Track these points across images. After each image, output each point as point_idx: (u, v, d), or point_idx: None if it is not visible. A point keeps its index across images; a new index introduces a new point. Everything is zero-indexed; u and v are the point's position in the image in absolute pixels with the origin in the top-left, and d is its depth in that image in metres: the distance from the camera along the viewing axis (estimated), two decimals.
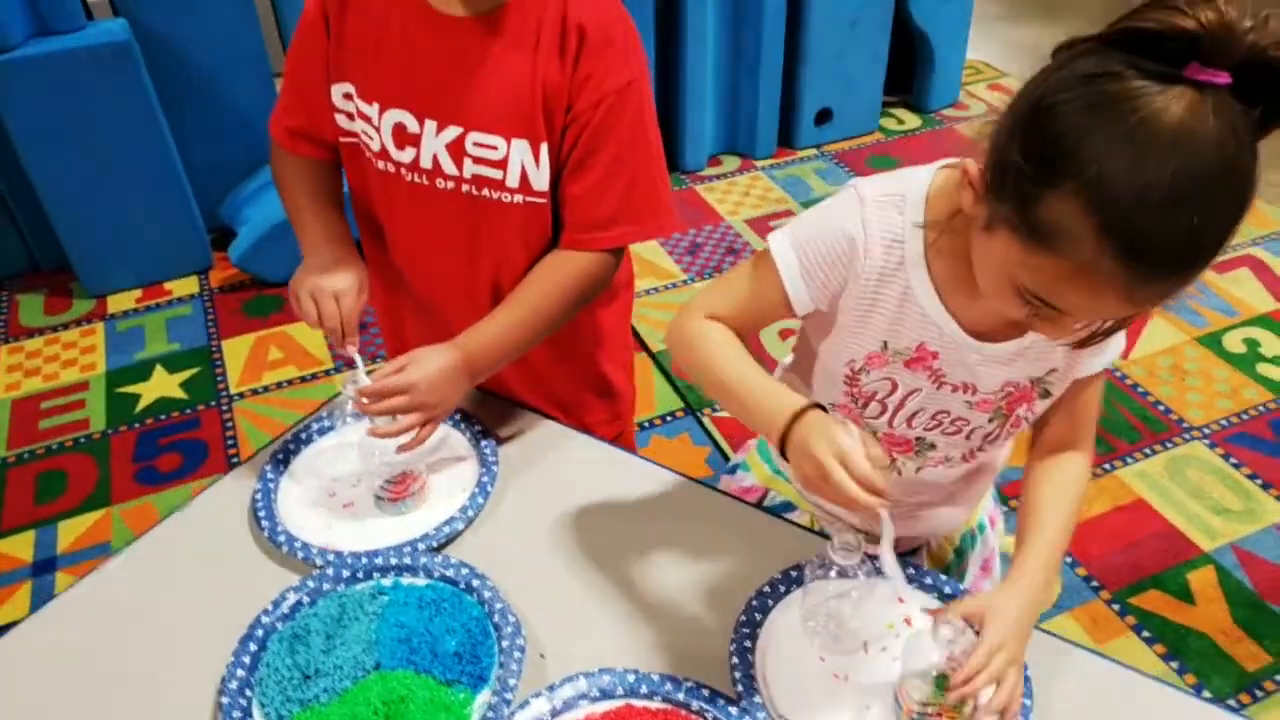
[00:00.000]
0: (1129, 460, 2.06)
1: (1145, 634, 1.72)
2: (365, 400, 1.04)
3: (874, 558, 0.95)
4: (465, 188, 1.08)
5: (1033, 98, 0.71)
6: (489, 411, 1.22)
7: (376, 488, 1.09)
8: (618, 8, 1.04)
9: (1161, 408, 2.19)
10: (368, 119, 1.08)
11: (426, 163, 1.07)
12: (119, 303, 2.66)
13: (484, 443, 1.16)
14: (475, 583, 0.99)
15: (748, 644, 0.93)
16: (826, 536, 1.05)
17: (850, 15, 3.05)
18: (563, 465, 1.16)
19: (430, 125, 1.05)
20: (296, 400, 2.29)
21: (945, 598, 0.98)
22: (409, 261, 1.22)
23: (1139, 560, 1.85)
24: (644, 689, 0.90)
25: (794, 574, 1.00)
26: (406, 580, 1.01)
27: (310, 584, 1.00)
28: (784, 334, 2.37)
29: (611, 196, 1.07)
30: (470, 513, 1.08)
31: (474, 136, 1.04)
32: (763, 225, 2.88)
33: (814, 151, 3.28)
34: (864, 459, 0.76)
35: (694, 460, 2.08)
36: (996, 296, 0.78)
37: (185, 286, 2.70)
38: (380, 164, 1.11)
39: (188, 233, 2.68)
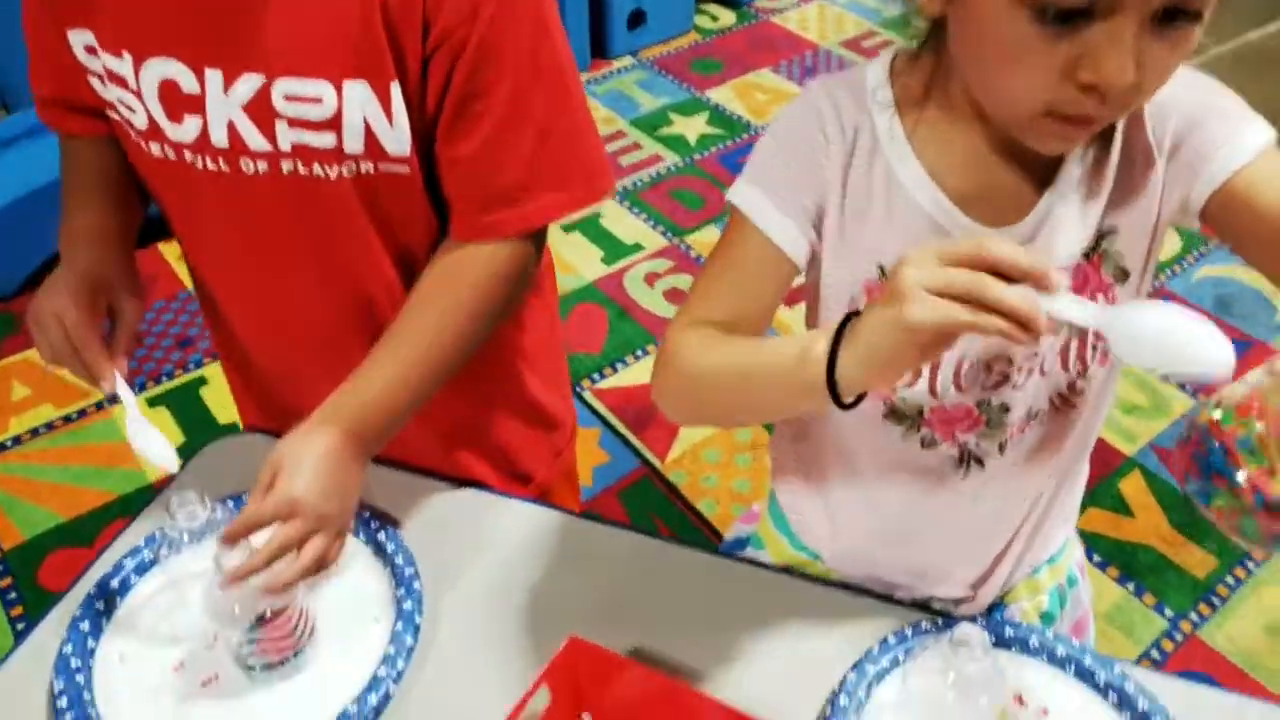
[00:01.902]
0: None
1: (1097, 558, 1.63)
2: (233, 569, 0.68)
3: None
4: (285, 165, 0.74)
5: None
6: (379, 490, 0.88)
7: (241, 647, 0.74)
8: None
9: None
10: (121, 81, 0.72)
11: (219, 137, 0.73)
12: None
13: (384, 538, 0.82)
14: None
15: None
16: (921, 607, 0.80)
17: None
18: (510, 551, 0.84)
19: (214, 77, 0.71)
20: (68, 449, 1.79)
21: (1059, 662, 0.76)
22: (225, 288, 0.87)
23: None
24: None
25: (854, 678, 0.74)
26: None
27: None
28: None
29: (517, 153, 0.75)
30: (399, 662, 0.74)
31: (283, 85, 0.70)
32: None
33: (630, 60, 2.96)
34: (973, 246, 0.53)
35: None
36: (1016, 62, 0.57)
37: None
38: (153, 147, 0.75)
39: None
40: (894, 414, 0.75)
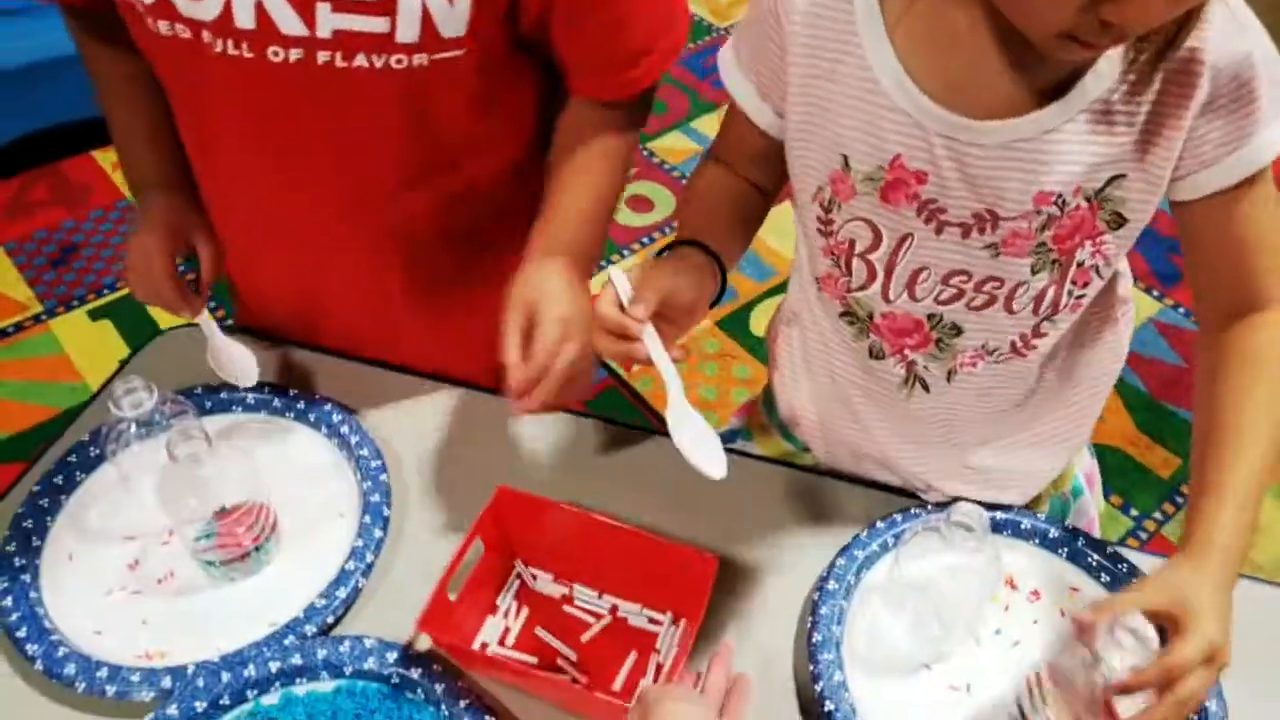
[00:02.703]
0: None
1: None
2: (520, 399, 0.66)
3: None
4: (321, 55, 0.65)
5: None
6: (335, 387, 0.83)
7: (198, 542, 0.69)
8: None
9: None
10: None
11: (246, 19, 0.64)
12: None
13: (348, 432, 0.78)
14: (413, 672, 0.65)
15: (838, 678, 0.65)
16: (909, 495, 0.79)
17: None
18: (481, 443, 0.80)
19: None
20: (7, 363, 1.71)
21: (1050, 543, 0.74)
22: (231, 179, 0.79)
23: None
24: None
25: (851, 550, 0.72)
26: (302, 689, 0.65)
27: None
28: None
29: (635, 21, 0.73)
30: (367, 555, 0.71)
31: None
32: None
33: None
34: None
35: None
36: None
37: None
38: (163, 26, 0.66)
39: None
40: (848, 314, 0.72)
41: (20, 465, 1.63)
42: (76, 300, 1.83)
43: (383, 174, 0.74)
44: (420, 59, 0.66)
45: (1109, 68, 0.59)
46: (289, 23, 0.64)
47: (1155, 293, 1.92)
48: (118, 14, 0.71)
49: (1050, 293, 0.67)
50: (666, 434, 0.63)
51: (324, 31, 0.64)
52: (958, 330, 0.70)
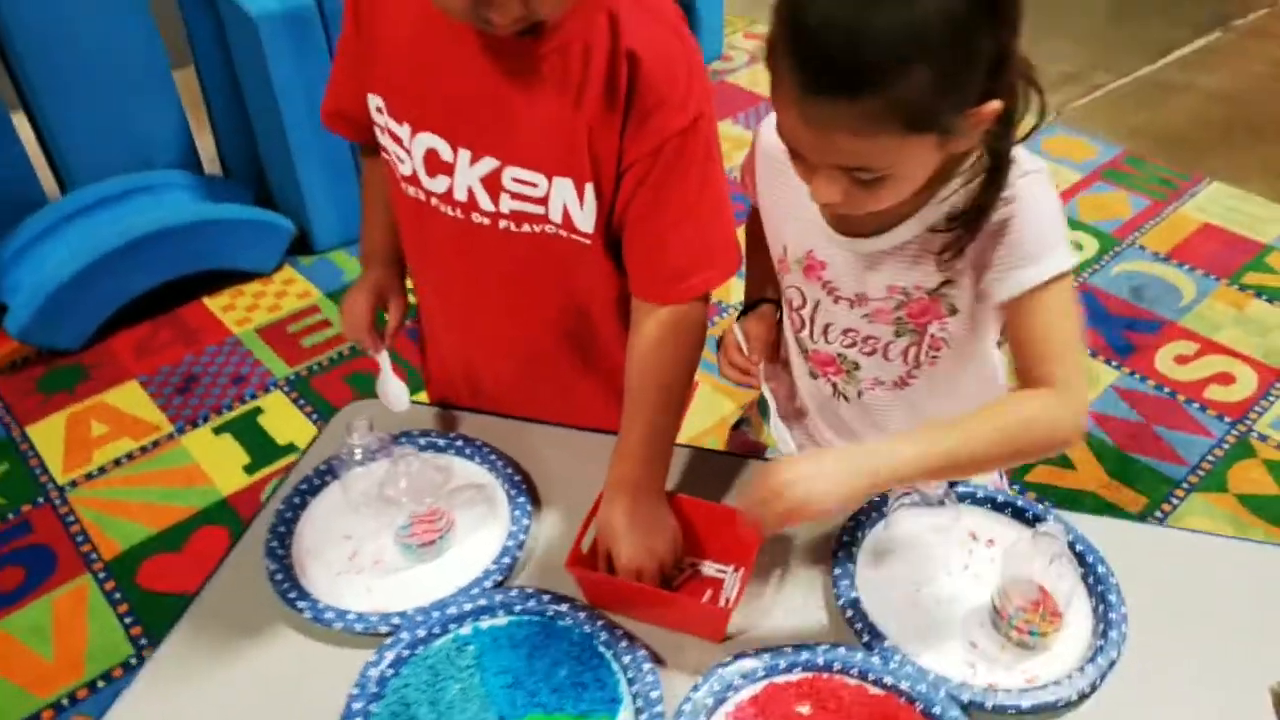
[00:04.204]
0: None
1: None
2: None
3: (952, 485, 1.00)
4: (503, 223, 0.98)
5: None
6: (491, 435, 1.14)
7: (401, 534, 1.00)
8: (678, 30, 0.91)
9: None
10: (398, 139, 0.97)
11: (461, 195, 0.97)
12: None
13: (498, 463, 1.09)
14: (562, 608, 0.94)
15: (854, 595, 0.95)
16: None
17: None
18: (590, 467, 1.10)
19: (464, 155, 0.94)
20: (149, 474, 2.03)
21: (999, 507, 1.05)
22: (442, 295, 1.13)
23: None
24: (781, 664, 0.89)
25: (860, 520, 1.02)
26: (486, 623, 0.94)
27: (388, 653, 0.90)
28: None
29: (685, 245, 0.97)
30: (520, 536, 1.01)
31: (512, 171, 0.94)
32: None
33: None
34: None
35: None
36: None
37: None
38: (411, 190, 1.00)
39: None
40: (798, 343, 1.06)
41: (168, 555, 2.01)
42: (201, 420, 2.16)
43: (547, 310, 1.07)
44: (563, 233, 0.97)
45: (928, 219, 0.89)
46: (485, 202, 0.97)
47: (1113, 363, 2.24)
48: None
49: (912, 351, 1.00)
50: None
51: (505, 209, 0.97)
52: (857, 365, 1.03)
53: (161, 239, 2.36)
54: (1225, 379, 2.21)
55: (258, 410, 2.18)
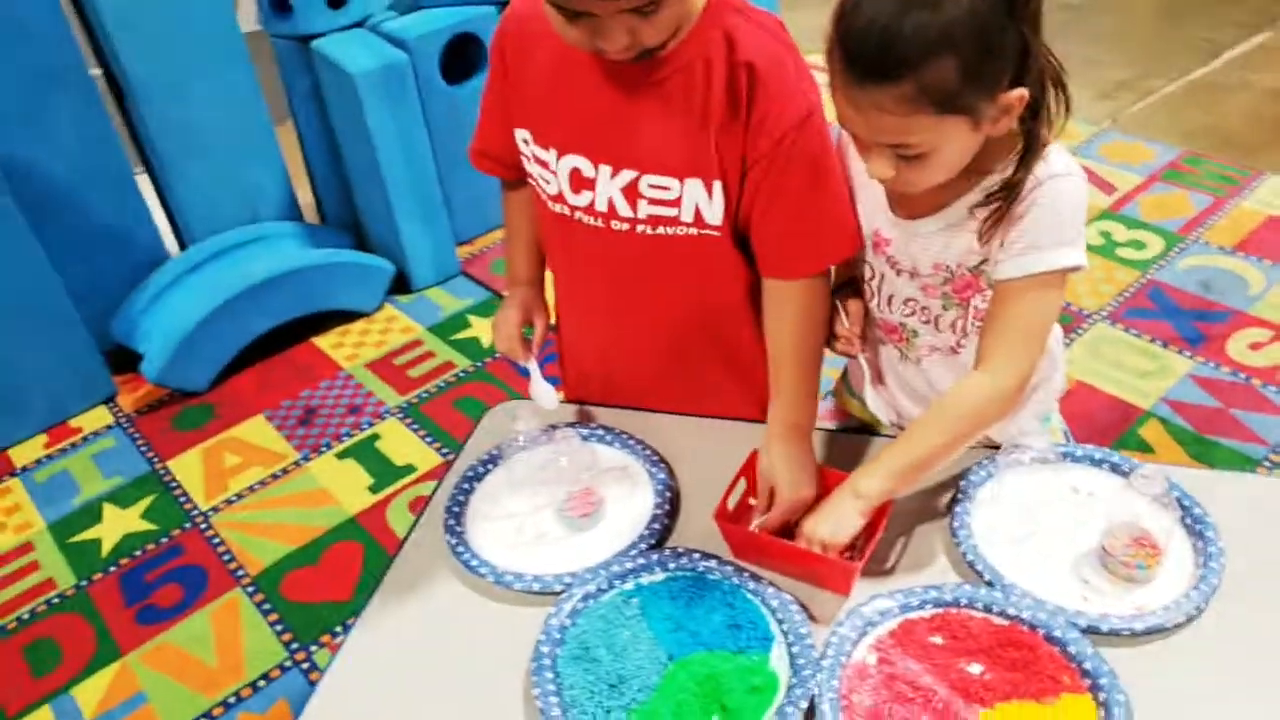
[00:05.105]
0: None
1: None
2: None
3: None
4: (640, 228, 1.11)
5: None
6: (629, 426, 1.28)
7: (565, 507, 1.14)
8: (783, 38, 1.04)
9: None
10: (544, 164, 1.12)
11: (602, 206, 1.11)
12: (25, 454, 2.44)
13: (638, 447, 1.23)
14: (711, 563, 1.07)
15: (972, 542, 1.06)
16: None
17: None
18: (723, 449, 1.20)
19: (605, 170, 1.08)
20: (281, 498, 2.21)
21: (1097, 463, 1.15)
22: (583, 298, 1.28)
23: (1100, 431, 2.13)
24: (914, 602, 1.01)
25: (970, 476, 1.13)
26: (646, 579, 1.07)
27: (565, 605, 1.03)
28: None
29: (807, 227, 1.09)
30: (665, 506, 1.14)
31: (649, 179, 1.07)
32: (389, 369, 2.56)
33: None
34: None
35: None
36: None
37: (95, 419, 2.51)
38: (556, 207, 1.15)
39: (84, 361, 2.50)
40: (872, 314, 1.18)
41: (306, 568, 2.16)
42: (324, 447, 2.33)
43: (668, 298, 1.19)
44: (693, 231, 1.09)
45: (969, 201, 1.01)
46: (624, 209, 1.09)
47: (1185, 353, 2.31)
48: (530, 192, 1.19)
49: (959, 323, 1.12)
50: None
51: (643, 215, 1.09)
52: (916, 333, 1.15)
53: (276, 284, 2.56)
54: None
55: (375, 436, 2.35)
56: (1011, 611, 0.98)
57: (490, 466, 1.23)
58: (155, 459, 2.36)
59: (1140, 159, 3.09)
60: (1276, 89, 3.45)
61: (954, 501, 1.11)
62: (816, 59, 0.97)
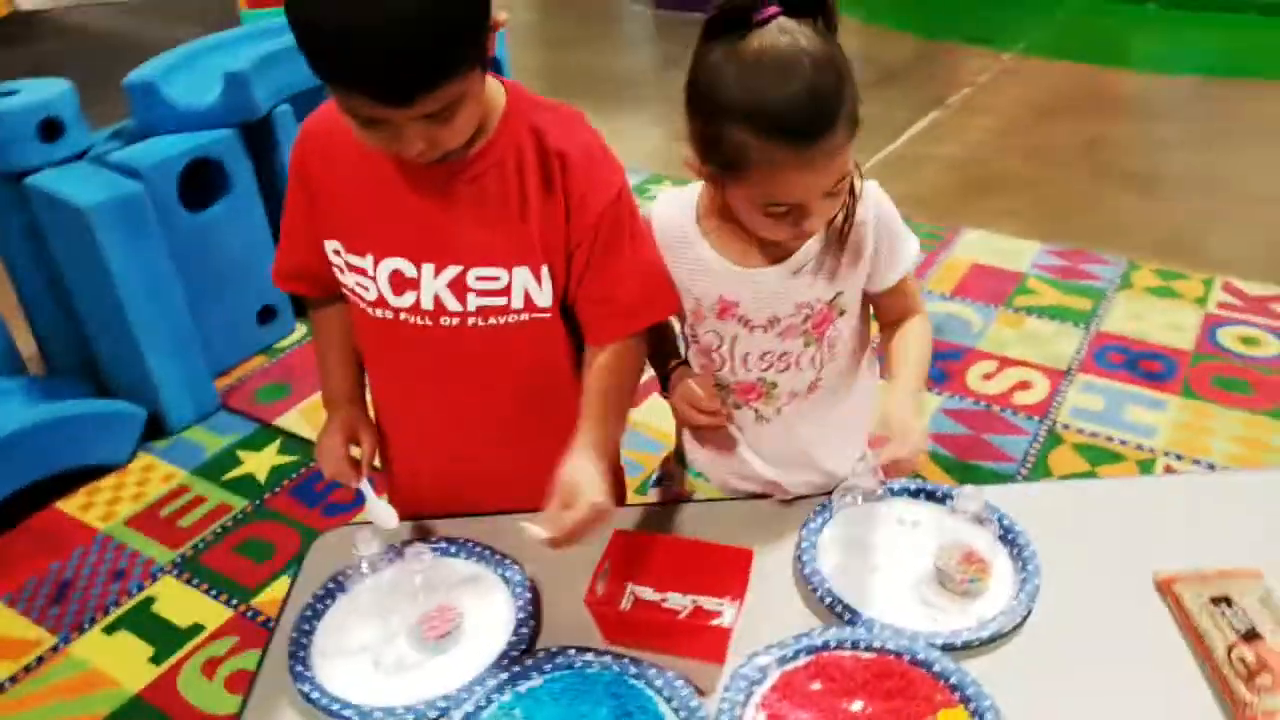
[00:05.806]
0: None
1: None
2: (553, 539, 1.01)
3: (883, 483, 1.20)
4: (471, 320, 1.11)
5: (690, 90, 1.03)
6: (472, 533, 1.24)
7: (422, 631, 1.07)
8: (586, 127, 1.10)
9: None
10: (361, 270, 1.08)
11: (428, 304, 1.09)
12: None
13: (486, 554, 1.19)
14: (587, 657, 1.05)
15: (827, 586, 1.11)
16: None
17: None
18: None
19: (428, 268, 1.07)
20: (42, 691, 1.90)
21: (914, 494, 1.25)
22: (413, 400, 1.23)
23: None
24: (789, 653, 1.04)
25: (809, 523, 1.20)
26: (523, 687, 1.03)
27: None
28: None
29: (631, 291, 1.13)
30: (528, 608, 1.10)
31: (476, 271, 1.07)
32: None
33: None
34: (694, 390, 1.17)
35: None
36: (758, 226, 1.08)
37: None
38: (377, 312, 1.11)
39: None
40: (718, 383, 1.25)
41: None
42: (88, 624, 2.05)
43: (500, 381, 1.18)
44: (524, 316, 1.10)
45: (815, 243, 1.13)
46: (453, 304, 1.09)
47: (935, 391, 2.57)
48: (342, 296, 1.16)
49: (816, 356, 1.21)
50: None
51: (472, 307, 1.09)
52: (774, 385, 1.23)
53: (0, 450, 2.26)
54: (1024, 386, 2.60)
55: (149, 600, 2.10)
56: (876, 644, 1.04)
57: (329, 601, 1.14)
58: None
59: None
60: (954, 156, 3.99)
61: (800, 548, 1.16)
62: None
